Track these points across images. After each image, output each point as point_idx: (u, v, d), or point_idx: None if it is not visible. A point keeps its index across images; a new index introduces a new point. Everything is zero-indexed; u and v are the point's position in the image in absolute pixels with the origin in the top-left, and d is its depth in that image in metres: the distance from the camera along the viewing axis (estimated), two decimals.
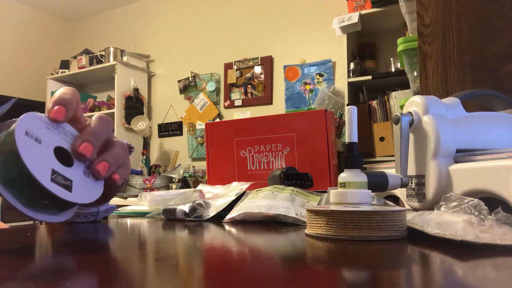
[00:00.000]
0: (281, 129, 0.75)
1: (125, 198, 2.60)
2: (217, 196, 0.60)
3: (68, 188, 0.32)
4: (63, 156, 0.34)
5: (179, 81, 3.49)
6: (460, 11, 0.94)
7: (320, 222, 0.34)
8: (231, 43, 3.30)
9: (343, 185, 0.39)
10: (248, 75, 3.20)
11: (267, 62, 3.13)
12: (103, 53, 3.60)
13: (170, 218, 0.54)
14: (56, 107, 0.36)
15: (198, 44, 3.47)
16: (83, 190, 0.34)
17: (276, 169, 0.69)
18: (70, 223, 0.48)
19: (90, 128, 0.37)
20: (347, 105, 2.06)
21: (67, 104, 0.36)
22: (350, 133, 0.40)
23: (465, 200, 0.36)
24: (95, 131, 0.37)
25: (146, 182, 2.92)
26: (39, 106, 3.87)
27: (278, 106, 3.04)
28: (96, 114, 0.40)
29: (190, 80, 3.42)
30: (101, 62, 3.58)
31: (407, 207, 0.53)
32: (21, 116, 0.33)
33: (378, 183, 0.48)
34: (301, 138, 0.73)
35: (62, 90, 0.38)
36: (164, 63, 3.68)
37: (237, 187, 0.62)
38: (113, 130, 0.47)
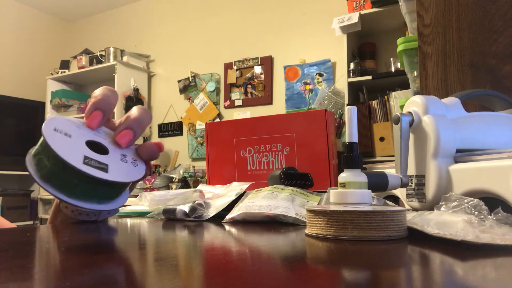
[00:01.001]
0: (281, 129, 0.75)
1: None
2: (217, 196, 0.60)
3: (104, 170, 0.32)
4: (97, 149, 0.35)
5: (179, 81, 3.49)
6: (460, 11, 0.94)
7: (320, 222, 0.34)
8: (231, 43, 3.31)
9: (343, 185, 0.39)
10: (248, 75, 3.20)
11: (267, 62, 3.13)
12: (103, 53, 3.60)
13: (170, 218, 0.54)
14: (94, 112, 0.36)
15: (198, 44, 3.47)
16: (121, 171, 0.34)
17: (276, 169, 0.69)
18: (71, 222, 0.48)
19: (134, 116, 0.38)
20: (347, 105, 2.06)
21: (105, 109, 0.37)
22: (350, 133, 0.40)
23: (465, 200, 0.36)
24: (139, 118, 0.38)
25: (146, 182, 2.92)
26: (39, 106, 3.87)
27: (278, 106, 3.05)
28: (138, 106, 0.40)
29: (190, 80, 3.42)
30: (101, 62, 3.58)
31: (407, 207, 0.53)
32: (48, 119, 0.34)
33: (378, 183, 0.48)
34: (301, 138, 0.73)
35: (103, 91, 0.38)
36: (164, 63, 3.68)
37: (237, 187, 0.62)
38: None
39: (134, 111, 0.38)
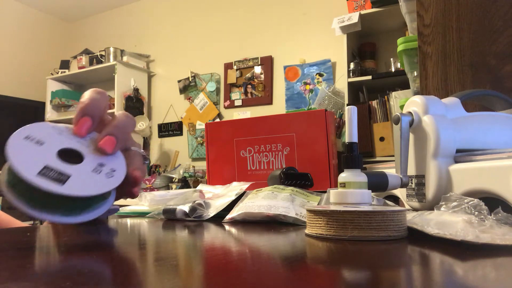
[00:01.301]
0: (281, 129, 0.75)
1: (125, 198, 2.59)
2: (217, 196, 0.60)
3: (61, 182, 0.30)
4: (73, 157, 0.33)
5: (179, 81, 3.49)
6: (460, 11, 0.94)
7: (320, 222, 0.34)
8: (231, 43, 3.31)
9: (343, 185, 0.39)
10: (248, 75, 3.20)
11: (267, 62, 3.13)
12: (103, 53, 3.60)
13: (170, 218, 0.54)
14: (82, 118, 0.34)
15: (198, 44, 3.47)
16: (84, 183, 0.31)
17: (276, 169, 0.69)
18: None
19: (115, 122, 0.36)
20: (347, 105, 2.06)
21: (94, 114, 0.35)
22: (350, 133, 0.40)
23: (465, 200, 0.36)
24: (120, 124, 0.36)
25: (146, 182, 2.92)
26: (39, 106, 3.87)
27: (278, 106, 3.04)
28: (120, 111, 0.38)
29: (190, 80, 3.42)
30: (101, 62, 3.58)
31: (407, 207, 0.53)
32: (27, 125, 0.33)
33: (378, 183, 0.48)
34: (301, 138, 0.73)
35: (90, 95, 0.35)
36: (164, 63, 3.68)
37: (237, 187, 0.62)
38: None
39: (116, 117, 0.37)
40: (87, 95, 0.35)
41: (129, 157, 0.37)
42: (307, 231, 0.36)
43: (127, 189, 0.36)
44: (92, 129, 0.35)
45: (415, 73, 1.12)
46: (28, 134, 0.32)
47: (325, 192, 0.53)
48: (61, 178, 0.30)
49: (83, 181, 0.31)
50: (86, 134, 0.35)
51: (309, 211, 0.36)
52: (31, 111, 3.84)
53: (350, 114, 0.40)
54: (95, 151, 0.34)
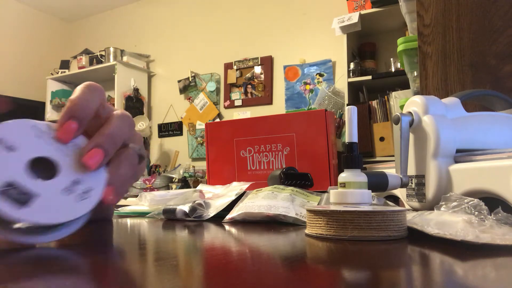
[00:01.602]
0: (281, 129, 0.75)
1: (125, 198, 2.60)
2: (217, 196, 0.60)
3: (22, 204, 0.26)
4: (48, 167, 0.28)
5: (179, 81, 3.49)
6: (460, 11, 0.94)
7: (320, 222, 0.34)
8: (231, 43, 3.31)
9: (343, 185, 0.39)
10: (248, 75, 3.20)
11: (267, 62, 3.13)
12: (103, 53, 3.60)
13: (170, 218, 0.54)
14: (67, 122, 0.29)
15: (198, 44, 3.47)
16: (48, 207, 0.27)
17: (276, 169, 0.69)
18: None
19: (107, 130, 0.30)
20: (347, 105, 2.06)
21: (82, 116, 0.30)
22: (350, 133, 0.40)
23: (465, 200, 0.36)
24: (114, 132, 0.31)
25: (146, 182, 2.92)
26: (39, 106, 3.87)
27: (278, 106, 3.05)
28: (119, 111, 0.33)
29: (190, 80, 3.42)
30: (101, 62, 3.58)
31: (407, 207, 0.53)
32: (5, 122, 0.28)
33: (378, 183, 0.48)
34: (301, 138, 0.73)
35: (81, 93, 0.30)
36: (164, 63, 3.68)
37: (237, 187, 0.62)
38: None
39: (111, 122, 0.31)
40: (77, 93, 0.30)
41: (119, 157, 0.32)
42: (307, 231, 0.36)
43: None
44: (78, 133, 0.30)
45: (415, 73, 1.12)
46: (1, 136, 0.28)
47: (325, 192, 0.53)
48: (23, 200, 0.26)
49: (49, 204, 0.27)
50: (69, 141, 0.30)
51: (309, 211, 0.36)
52: (31, 111, 3.84)
53: (350, 114, 0.40)
54: (75, 163, 0.29)
